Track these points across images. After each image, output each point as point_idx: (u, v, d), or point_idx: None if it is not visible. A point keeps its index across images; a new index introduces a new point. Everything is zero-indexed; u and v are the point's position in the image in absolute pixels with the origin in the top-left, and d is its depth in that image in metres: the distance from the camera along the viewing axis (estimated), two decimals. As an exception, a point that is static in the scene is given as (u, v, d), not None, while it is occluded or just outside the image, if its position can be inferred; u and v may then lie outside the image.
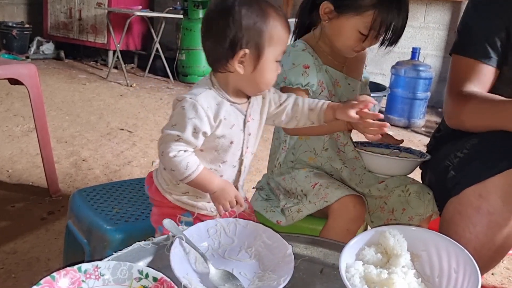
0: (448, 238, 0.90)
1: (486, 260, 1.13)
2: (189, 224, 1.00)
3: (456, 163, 1.16)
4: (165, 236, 0.94)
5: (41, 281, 0.72)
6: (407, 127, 3.80)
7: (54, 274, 0.73)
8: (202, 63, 4.58)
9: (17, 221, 1.82)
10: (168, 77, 4.75)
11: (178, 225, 0.99)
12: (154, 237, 0.94)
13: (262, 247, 0.95)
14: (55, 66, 5.02)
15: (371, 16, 1.11)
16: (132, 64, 5.41)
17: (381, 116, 0.94)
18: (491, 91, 1.23)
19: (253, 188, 1.40)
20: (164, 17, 4.75)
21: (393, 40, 1.16)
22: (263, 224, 0.99)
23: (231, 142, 1.00)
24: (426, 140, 2.68)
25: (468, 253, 0.84)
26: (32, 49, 5.27)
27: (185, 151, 0.95)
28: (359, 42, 1.15)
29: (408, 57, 3.87)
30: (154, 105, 3.76)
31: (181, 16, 4.70)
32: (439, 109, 4.22)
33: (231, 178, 1.05)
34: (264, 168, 1.39)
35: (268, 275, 0.87)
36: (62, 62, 5.28)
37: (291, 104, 1.07)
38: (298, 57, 1.20)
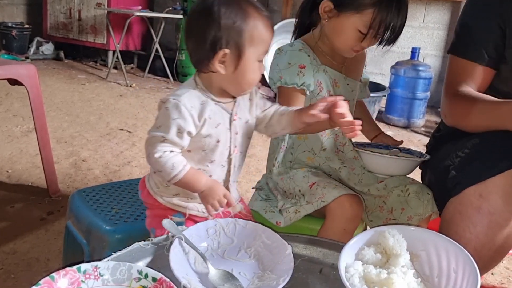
0: (448, 238, 0.90)
1: (486, 260, 1.13)
2: (180, 225, 0.99)
3: (457, 162, 1.16)
4: (165, 236, 0.94)
5: (41, 282, 0.72)
6: (406, 127, 3.80)
7: (54, 274, 0.73)
8: (202, 63, 4.58)
9: (17, 221, 1.82)
10: (167, 77, 4.75)
11: None
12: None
13: (261, 247, 0.95)
14: (55, 67, 5.02)
15: (370, 14, 1.11)
16: (132, 64, 5.41)
17: (346, 116, 0.92)
18: (488, 90, 1.24)
19: (253, 188, 1.40)
20: (163, 17, 4.75)
21: (392, 39, 1.16)
22: (262, 224, 0.99)
23: (218, 141, 1.00)
24: (426, 140, 2.68)
25: (468, 253, 0.84)
26: (32, 49, 5.27)
27: (171, 151, 0.95)
28: (358, 42, 1.15)
29: (408, 57, 3.87)
30: (153, 105, 3.75)
31: (181, 16, 4.70)
32: (439, 109, 4.19)
33: (221, 178, 1.05)
34: (264, 168, 1.39)
35: (267, 275, 0.87)
36: (61, 62, 5.28)
37: (271, 112, 1.07)
38: (294, 57, 1.20)
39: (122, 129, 3.08)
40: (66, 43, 5.42)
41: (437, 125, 1.50)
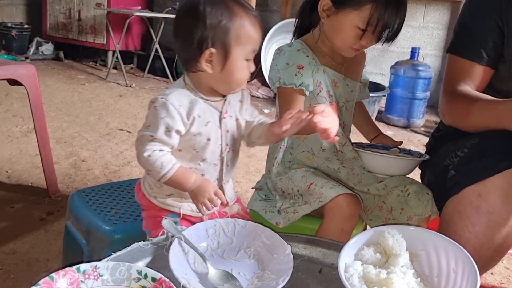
0: (447, 237, 0.90)
1: (486, 260, 1.13)
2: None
3: (456, 162, 1.16)
4: (164, 236, 0.94)
5: (40, 282, 0.72)
6: (406, 127, 3.80)
7: (53, 274, 0.73)
8: (202, 63, 4.58)
9: (16, 221, 1.82)
10: (167, 77, 4.75)
11: (161, 226, 0.99)
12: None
13: (261, 247, 0.95)
14: (55, 67, 5.02)
15: (368, 10, 1.11)
16: (132, 65, 5.41)
17: (320, 125, 0.91)
18: (487, 89, 1.24)
19: (252, 188, 1.40)
20: (163, 18, 4.75)
21: (392, 36, 1.16)
22: (262, 224, 0.99)
23: (208, 139, 1.00)
24: (426, 140, 2.68)
25: (467, 253, 0.84)
26: (32, 49, 5.27)
27: (160, 150, 0.95)
28: (358, 39, 1.15)
29: (408, 57, 3.87)
30: (153, 105, 3.74)
31: (181, 17, 4.69)
32: (438, 109, 4.22)
33: (214, 177, 1.05)
34: (263, 168, 1.39)
35: (267, 275, 0.87)
36: (61, 62, 5.28)
37: (255, 122, 1.08)
38: (292, 57, 1.20)
39: (121, 129, 3.08)
40: (65, 43, 5.42)
41: (436, 125, 1.50)
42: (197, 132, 0.98)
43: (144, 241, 0.92)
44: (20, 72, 1.86)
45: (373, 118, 3.54)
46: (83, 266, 0.76)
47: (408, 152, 1.33)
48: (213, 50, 0.93)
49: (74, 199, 1.36)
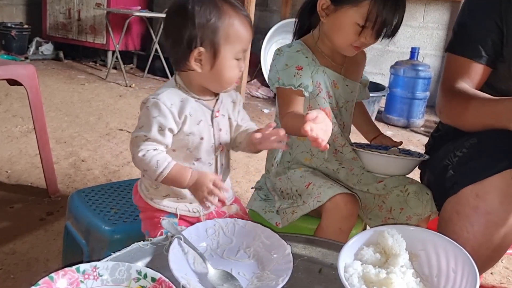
0: (447, 237, 0.90)
1: (484, 260, 1.13)
2: None
3: (455, 162, 1.16)
4: (164, 236, 0.94)
5: (40, 282, 0.72)
6: (406, 127, 3.80)
7: (53, 274, 0.73)
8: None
9: (16, 221, 1.82)
10: (167, 77, 4.74)
11: (162, 226, 0.99)
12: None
13: (260, 247, 0.95)
14: (54, 67, 5.02)
15: (367, 5, 1.11)
16: (131, 65, 5.41)
17: (308, 134, 0.92)
18: (486, 88, 1.24)
19: (252, 188, 1.41)
20: (163, 18, 4.73)
21: (391, 32, 1.16)
22: (262, 224, 0.99)
23: (201, 138, 1.01)
24: (425, 139, 2.68)
25: (467, 253, 0.84)
26: (31, 49, 5.27)
27: (155, 149, 0.95)
28: (358, 36, 1.15)
29: (407, 57, 3.87)
30: (153, 105, 3.74)
31: (180, 17, 4.69)
32: (438, 109, 4.21)
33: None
34: (263, 168, 1.39)
35: (266, 275, 0.87)
36: (61, 62, 5.28)
37: (243, 127, 1.08)
38: (291, 58, 1.20)
39: (121, 129, 3.08)
40: (65, 43, 5.42)
41: (436, 125, 1.50)
42: (190, 131, 0.98)
43: (144, 240, 0.92)
44: (19, 72, 1.86)
45: (373, 118, 3.53)
46: (82, 266, 0.76)
47: (408, 152, 1.33)
48: (202, 49, 0.94)
49: (74, 199, 1.36)
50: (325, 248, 0.97)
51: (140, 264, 0.85)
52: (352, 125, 1.39)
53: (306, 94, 1.20)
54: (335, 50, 1.25)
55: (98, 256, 1.16)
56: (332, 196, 1.10)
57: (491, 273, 1.73)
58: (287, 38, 4.19)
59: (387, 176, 1.28)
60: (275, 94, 1.29)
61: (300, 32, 1.32)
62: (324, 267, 0.93)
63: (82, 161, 2.49)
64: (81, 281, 0.75)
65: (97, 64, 5.35)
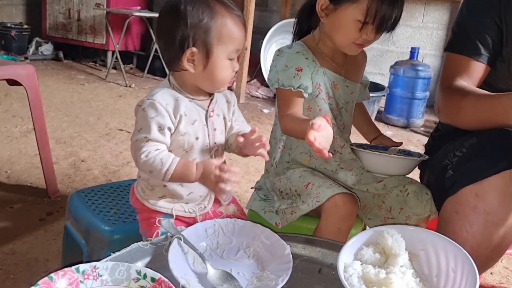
0: (446, 237, 0.90)
1: (484, 260, 1.13)
2: None
3: (454, 162, 1.16)
4: (164, 236, 0.94)
5: (39, 282, 0.72)
6: (406, 126, 3.80)
7: (52, 274, 0.73)
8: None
9: (16, 222, 1.82)
10: (167, 77, 4.74)
11: (158, 227, 0.99)
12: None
13: (260, 247, 0.95)
14: (54, 67, 5.02)
15: (366, 1, 1.11)
16: (131, 65, 5.41)
17: (313, 145, 0.94)
18: (485, 88, 1.25)
19: (252, 188, 1.40)
20: (163, 18, 4.74)
21: (391, 25, 1.16)
22: (261, 224, 0.99)
23: (197, 138, 1.01)
24: (425, 139, 2.69)
25: (466, 253, 0.84)
26: (31, 50, 5.27)
27: (156, 149, 0.95)
28: (359, 33, 1.15)
29: (407, 57, 3.87)
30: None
31: (180, 17, 4.69)
32: (438, 109, 4.21)
33: None
34: (263, 168, 1.39)
35: (266, 275, 0.87)
36: (61, 62, 5.27)
37: (236, 128, 1.08)
38: (291, 60, 1.20)
39: (121, 130, 3.08)
40: (65, 44, 5.42)
41: (436, 125, 1.50)
42: (185, 131, 0.98)
43: (144, 241, 0.92)
44: (19, 72, 1.86)
45: (373, 118, 3.53)
46: (82, 266, 0.76)
47: (408, 153, 1.33)
48: (194, 49, 0.94)
49: (74, 199, 1.36)
50: (324, 248, 0.97)
51: (140, 264, 0.85)
52: (352, 126, 1.39)
53: (306, 95, 1.20)
54: (335, 51, 1.25)
55: (97, 256, 1.16)
56: (331, 196, 1.10)
57: (491, 273, 1.73)
58: (287, 38, 4.19)
59: (387, 176, 1.28)
60: (275, 94, 1.29)
61: (299, 34, 1.32)
62: (324, 267, 0.93)
63: (82, 161, 2.49)
64: (81, 281, 0.75)
65: (97, 64, 5.35)
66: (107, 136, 2.94)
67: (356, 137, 1.49)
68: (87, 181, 2.24)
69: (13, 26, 5.15)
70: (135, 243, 0.91)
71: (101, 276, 0.77)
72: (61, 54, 5.35)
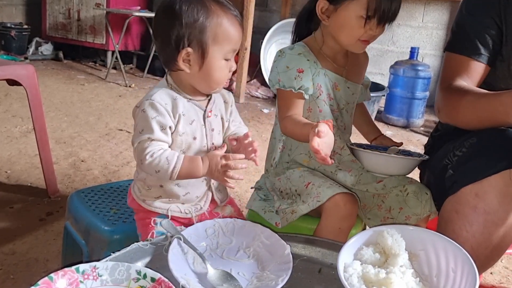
0: (446, 237, 0.90)
1: (483, 259, 1.13)
2: None
3: (454, 161, 1.16)
4: (163, 236, 0.94)
5: (39, 282, 0.72)
6: (406, 126, 3.80)
7: (52, 275, 0.73)
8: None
9: (16, 222, 1.82)
10: (167, 77, 4.74)
11: (153, 227, 0.99)
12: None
13: (260, 247, 0.95)
14: (54, 67, 5.02)
15: None
16: (131, 65, 5.41)
17: (319, 153, 0.97)
18: (485, 88, 1.25)
19: (252, 188, 1.41)
20: (162, 18, 4.74)
21: (392, 15, 1.15)
22: (261, 224, 0.99)
23: (194, 138, 1.00)
24: (425, 139, 2.68)
25: (466, 253, 0.84)
26: (31, 50, 5.27)
27: (160, 149, 0.95)
28: (363, 29, 1.15)
29: (407, 56, 3.87)
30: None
31: (180, 17, 4.69)
32: (438, 109, 4.21)
33: (203, 177, 1.05)
34: (263, 168, 1.39)
35: (266, 275, 0.87)
36: (60, 62, 5.27)
37: (232, 130, 1.09)
38: (292, 61, 1.20)
39: (121, 130, 3.08)
40: (65, 44, 5.42)
41: (435, 125, 1.50)
42: (183, 131, 0.98)
43: (143, 241, 0.92)
44: (19, 73, 1.85)
45: (373, 118, 3.52)
46: (82, 266, 0.76)
47: (408, 153, 1.33)
48: (189, 49, 0.93)
49: (73, 199, 1.36)
50: (324, 248, 0.97)
51: (140, 264, 0.85)
52: (352, 126, 1.39)
53: (306, 96, 1.20)
54: (337, 52, 1.25)
55: (97, 256, 1.16)
56: (331, 196, 1.10)
57: (491, 273, 1.73)
58: (287, 38, 4.19)
59: (387, 176, 1.27)
60: (275, 94, 1.29)
61: (299, 35, 1.32)
62: (324, 267, 0.93)
63: (82, 161, 2.49)
64: (81, 281, 0.75)
65: (97, 64, 5.35)
66: (107, 136, 2.94)
67: (356, 137, 1.49)
68: (87, 181, 2.24)
69: (13, 26, 5.15)
70: (135, 243, 0.91)
71: (101, 276, 0.77)
72: (61, 54, 5.35)
